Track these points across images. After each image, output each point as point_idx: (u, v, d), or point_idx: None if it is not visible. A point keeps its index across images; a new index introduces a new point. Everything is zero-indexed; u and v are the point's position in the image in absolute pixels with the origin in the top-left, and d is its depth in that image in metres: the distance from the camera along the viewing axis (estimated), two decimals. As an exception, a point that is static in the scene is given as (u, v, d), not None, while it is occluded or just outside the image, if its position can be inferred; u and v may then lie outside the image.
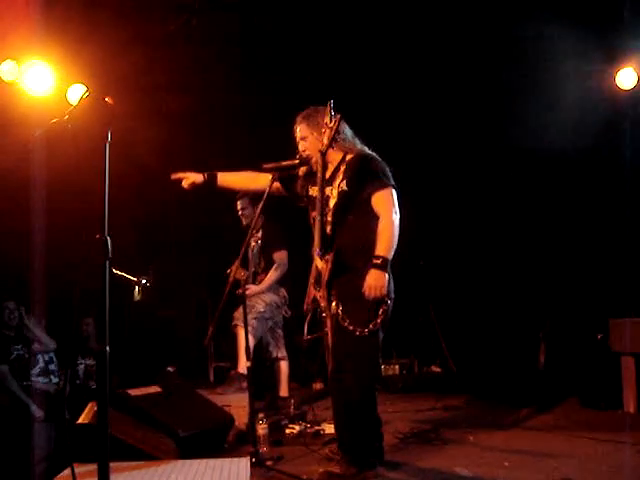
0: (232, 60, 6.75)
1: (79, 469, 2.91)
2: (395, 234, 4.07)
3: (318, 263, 4.16)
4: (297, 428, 5.25)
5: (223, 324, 6.18)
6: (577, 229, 7.18)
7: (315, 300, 4.23)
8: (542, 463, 4.29)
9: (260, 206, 4.39)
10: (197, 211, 7.98)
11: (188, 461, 3.41)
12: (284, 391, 6.23)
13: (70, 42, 5.97)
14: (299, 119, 4.35)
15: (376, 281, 3.96)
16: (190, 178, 4.55)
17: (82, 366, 6.50)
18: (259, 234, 6.24)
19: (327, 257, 4.10)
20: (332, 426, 5.04)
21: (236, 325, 6.01)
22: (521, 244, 7.52)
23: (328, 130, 4.04)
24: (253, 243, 6.23)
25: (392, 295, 4.14)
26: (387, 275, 4.00)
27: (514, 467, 4.20)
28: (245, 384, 5.85)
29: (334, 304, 4.12)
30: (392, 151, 4.52)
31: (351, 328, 4.01)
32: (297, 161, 4.30)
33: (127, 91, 6.02)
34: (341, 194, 4.18)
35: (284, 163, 4.34)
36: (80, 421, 4.40)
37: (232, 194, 6.16)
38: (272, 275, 6.11)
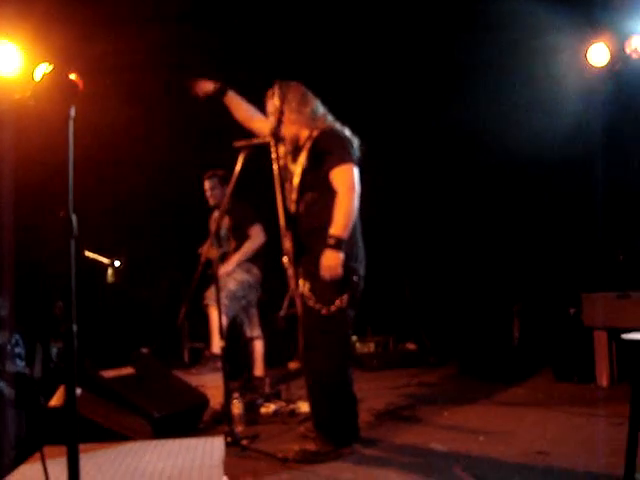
0: (206, 38, 6.66)
1: (50, 451, 2.87)
2: (351, 212, 4.01)
3: (286, 242, 4.16)
4: (272, 407, 5.24)
5: (197, 304, 6.16)
6: (551, 205, 7.20)
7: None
8: (517, 436, 4.33)
9: (231, 185, 4.36)
10: (168, 192, 7.92)
11: (162, 440, 3.39)
12: (259, 370, 6.22)
13: (38, 22, 5.85)
14: (269, 94, 4.32)
15: (330, 261, 3.92)
16: (203, 85, 4.53)
17: (55, 349, 6.43)
18: (225, 219, 6.18)
19: (289, 236, 4.11)
20: (307, 404, 5.04)
21: (208, 305, 5.98)
22: (494, 220, 7.53)
23: (277, 112, 4.05)
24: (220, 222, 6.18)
25: (361, 272, 4.13)
26: (341, 254, 3.94)
27: (489, 442, 4.22)
28: (219, 364, 5.83)
29: (300, 282, 4.14)
30: (369, 131, 4.49)
31: (317, 307, 4.01)
32: (268, 139, 4.27)
33: (98, 71, 5.91)
34: (303, 171, 4.17)
35: (255, 141, 4.32)
36: (51, 404, 4.35)
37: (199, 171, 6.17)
38: (244, 249, 6.07)
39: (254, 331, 6.25)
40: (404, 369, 7.26)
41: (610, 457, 3.63)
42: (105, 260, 7.54)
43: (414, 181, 8.07)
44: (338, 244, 3.93)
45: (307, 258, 4.12)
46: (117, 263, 7.51)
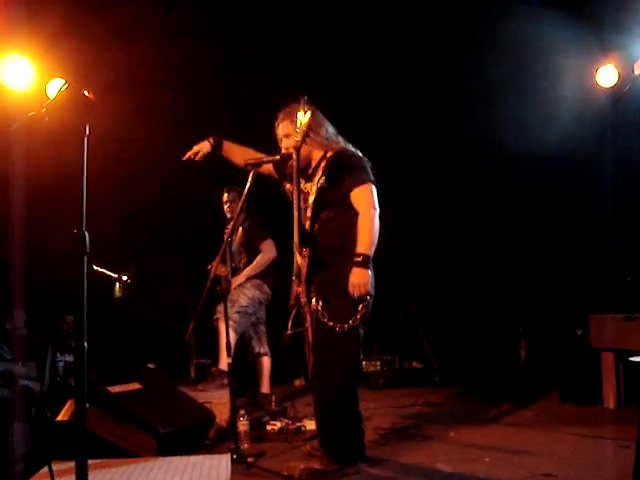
0: (217, 54, 6.71)
1: (58, 467, 2.88)
2: (375, 230, 4.08)
3: (297, 259, 4.18)
4: (278, 424, 5.24)
5: (205, 320, 6.17)
6: (559, 225, 7.19)
7: (298, 296, 4.24)
8: (523, 459, 4.30)
9: (242, 201, 4.39)
10: (178, 208, 7.94)
11: (168, 458, 3.40)
12: (265, 387, 6.21)
13: (51, 37, 5.90)
14: (281, 116, 4.36)
15: (359, 279, 3.98)
16: (199, 150, 4.60)
17: (62, 363, 6.44)
18: (238, 233, 6.22)
19: (305, 253, 4.12)
20: (313, 422, 5.04)
21: (218, 319, 5.99)
22: (501, 240, 7.52)
23: (302, 127, 4.07)
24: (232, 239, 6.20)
25: (372, 292, 4.15)
26: (370, 272, 4.01)
27: (495, 463, 4.21)
28: (225, 380, 5.84)
29: (314, 300, 4.16)
30: (374, 148, 4.52)
31: (331, 324, 4.04)
32: (278, 157, 4.30)
33: (109, 85, 5.96)
34: (320, 190, 4.20)
35: (265, 159, 4.35)
36: (59, 418, 4.36)
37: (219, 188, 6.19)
38: (255, 263, 6.10)
39: (262, 348, 6.25)
40: (409, 388, 7.24)
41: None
42: (113, 275, 7.55)
43: (421, 199, 8.06)
44: (366, 262, 4.00)
45: (322, 275, 4.15)
46: (125, 278, 7.52)
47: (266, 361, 6.26)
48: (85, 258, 2.00)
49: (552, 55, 6.64)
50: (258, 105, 5.07)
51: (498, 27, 6.43)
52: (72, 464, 2.34)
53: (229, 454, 3.65)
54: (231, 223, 5.86)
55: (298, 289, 4.21)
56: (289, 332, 4.32)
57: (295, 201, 4.14)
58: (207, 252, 6.36)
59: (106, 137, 5.42)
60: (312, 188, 4.25)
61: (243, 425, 4.75)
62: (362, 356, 6.70)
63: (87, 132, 2.05)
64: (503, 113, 7.01)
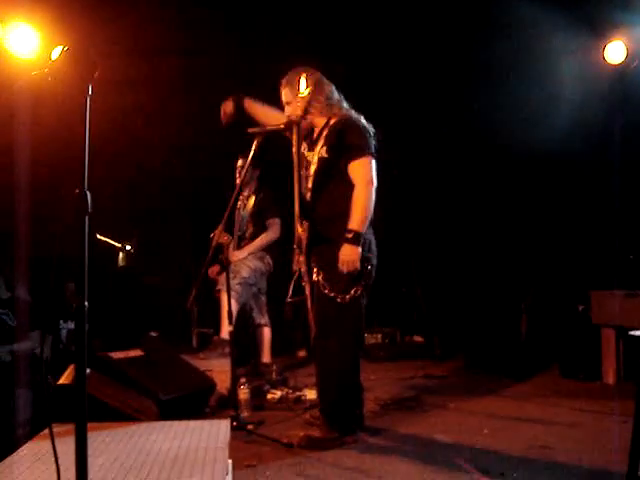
0: (224, 22, 6.65)
1: (58, 429, 2.90)
2: (369, 206, 4.03)
3: (298, 229, 4.16)
4: (279, 393, 5.28)
5: (207, 289, 6.20)
6: (562, 202, 7.17)
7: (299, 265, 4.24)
8: (521, 430, 4.34)
9: (245, 168, 4.40)
10: (181, 176, 7.94)
11: (168, 422, 3.41)
12: (266, 357, 6.24)
13: (56, 4, 5.87)
14: (283, 82, 4.31)
15: (348, 256, 3.96)
16: (225, 110, 4.60)
17: (64, 330, 6.47)
18: (251, 199, 6.22)
19: (305, 224, 4.12)
20: (314, 392, 5.10)
21: (219, 290, 6.01)
22: (505, 215, 7.52)
23: (301, 100, 4.05)
24: (240, 203, 6.20)
25: (374, 261, 4.15)
26: (359, 248, 3.97)
27: (493, 434, 4.24)
28: (227, 349, 5.87)
29: (315, 271, 4.17)
30: (380, 119, 4.49)
31: (332, 295, 4.03)
32: (282, 125, 4.26)
33: (115, 54, 5.93)
34: (320, 160, 4.19)
35: (269, 127, 4.32)
36: (60, 382, 4.39)
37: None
38: (259, 240, 6.12)
39: (262, 318, 6.27)
40: (410, 361, 7.27)
41: (614, 454, 3.63)
42: (116, 244, 7.56)
43: (426, 174, 8.05)
44: (356, 238, 3.96)
45: (322, 247, 4.14)
46: (128, 247, 7.54)
47: (267, 331, 6.29)
48: (87, 218, 2.00)
49: (559, 33, 6.58)
50: (263, 72, 5.01)
51: (504, 5, 6.36)
52: (72, 426, 2.35)
53: (229, 420, 3.67)
54: (242, 188, 5.90)
55: (299, 258, 4.20)
56: (289, 299, 4.32)
57: (295, 172, 4.13)
58: (212, 220, 6.37)
59: (109, 105, 5.42)
60: (314, 157, 4.23)
61: (244, 393, 4.79)
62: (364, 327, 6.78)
63: (90, 92, 2.04)
64: (510, 93, 6.96)
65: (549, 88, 6.86)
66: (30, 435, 3.85)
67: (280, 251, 6.19)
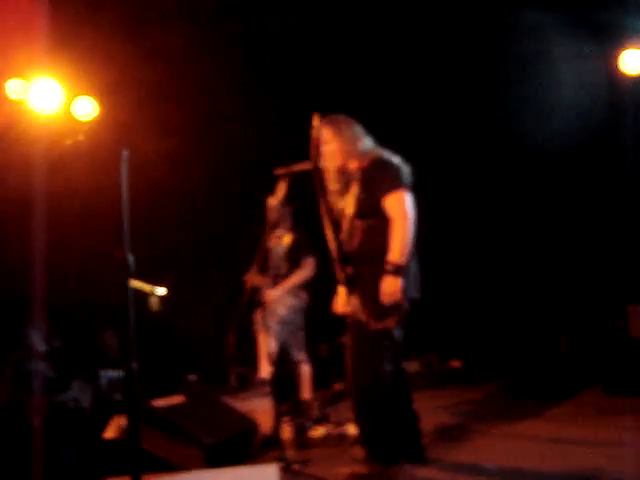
0: (241, 68, 6.73)
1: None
2: (406, 238, 4.05)
3: (339, 272, 4.20)
4: (321, 430, 5.24)
5: (242, 329, 6.21)
6: (591, 217, 7.13)
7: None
8: (571, 452, 4.28)
9: (276, 210, 4.43)
10: (213, 220, 7.99)
11: (216, 470, 3.42)
12: (307, 394, 6.22)
13: (77, 57, 5.96)
14: (324, 123, 4.34)
15: (390, 287, 3.98)
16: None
17: (104, 379, 6.52)
18: (285, 238, 6.24)
19: (347, 269, 4.17)
20: (357, 427, 5.07)
21: (257, 329, 6.03)
22: (540, 234, 7.48)
23: (342, 147, 4.20)
24: (273, 242, 6.21)
25: (413, 294, 4.15)
26: (400, 279, 3.99)
27: (543, 458, 4.19)
28: (267, 389, 5.87)
29: (356, 305, 4.15)
30: (402, 148, 4.51)
31: (367, 322, 4.05)
32: (310, 167, 4.31)
33: (136, 104, 6.01)
34: (357, 202, 4.23)
35: (296, 168, 4.36)
36: (106, 436, 4.41)
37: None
38: (294, 278, 6.13)
39: (300, 354, 6.26)
40: (449, 387, 7.22)
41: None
42: (149, 288, 7.60)
43: (453, 195, 8.03)
44: (397, 270, 3.98)
45: (362, 282, 4.15)
46: (162, 291, 7.58)
47: (306, 368, 6.28)
48: (129, 281, 2.03)
49: (576, 40, 6.57)
50: (284, 116, 5.07)
51: (522, 12, 6.38)
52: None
53: (276, 463, 3.67)
54: (274, 228, 5.93)
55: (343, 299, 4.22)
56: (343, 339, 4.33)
57: (325, 214, 4.19)
58: (243, 261, 6.41)
59: (140, 151, 5.49)
60: (349, 200, 4.29)
61: (287, 432, 4.77)
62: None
63: (125, 157, 2.08)
64: (527, 100, 6.96)
65: (565, 97, 6.83)
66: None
67: (315, 289, 6.22)
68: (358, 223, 4.22)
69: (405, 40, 6.76)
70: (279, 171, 4.34)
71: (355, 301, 4.15)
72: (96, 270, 6.65)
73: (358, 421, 4.25)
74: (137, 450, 2.18)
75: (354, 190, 4.26)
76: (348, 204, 4.29)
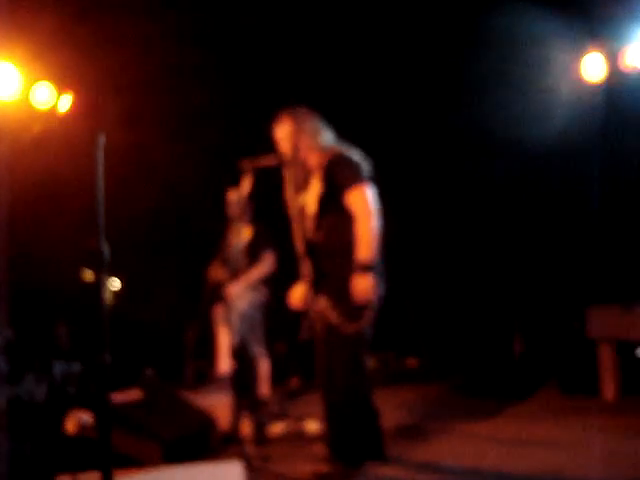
0: (204, 56, 6.65)
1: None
2: (372, 233, 3.99)
3: (304, 268, 4.13)
4: (281, 427, 5.21)
5: (202, 324, 6.15)
6: (551, 218, 7.21)
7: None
8: (532, 451, 4.30)
9: (240, 203, 4.36)
10: (174, 212, 7.90)
11: (179, 466, 3.36)
12: (265, 389, 6.17)
13: (36, 42, 5.81)
14: (282, 118, 4.28)
15: (361, 287, 3.91)
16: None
17: (58, 372, 6.38)
18: (244, 232, 6.18)
19: (309, 262, 4.10)
20: (315, 423, 5.07)
21: (216, 324, 5.96)
22: (496, 233, 7.53)
23: (291, 140, 4.12)
24: (233, 237, 6.16)
25: (381, 291, 4.11)
26: (371, 277, 3.92)
27: (501, 457, 4.20)
28: (225, 384, 5.81)
29: (322, 303, 4.09)
30: (370, 144, 4.49)
31: (339, 325, 3.98)
32: (275, 161, 4.25)
33: (96, 91, 5.89)
34: (319, 198, 4.16)
35: (262, 162, 4.29)
36: (68, 431, 4.31)
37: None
38: (255, 272, 6.07)
39: (259, 350, 6.21)
40: (406, 384, 7.23)
41: (630, 471, 3.61)
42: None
43: (415, 194, 8.05)
44: (366, 269, 3.92)
45: (329, 280, 4.09)
46: (116, 285, 7.47)
47: (264, 364, 6.22)
48: (103, 274, 1.96)
49: (540, 46, 6.62)
50: (253, 109, 5.01)
51: (488, 19, 6.41)
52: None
53: (241, 460, 3.62)
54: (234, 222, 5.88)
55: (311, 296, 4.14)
56: (303, 337, 4.25)
57: (293, 211, 4.13)
58: (200, 254, 6.33)
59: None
60: (310, 198, 4.22)
61: (247, 428, 4.73)
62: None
63: (102, 143, 2.01)
64: (493, 107, 6.99)
65: (531, 103, 6.89)
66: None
67: (274, 285, 6.18)
68: (320, 220, 4.16)
69: (379, 38, 6.75)
70: (245, 164, 4.26)
71: (324, 302, 4.08)
72: (54, 261, 6.53)
73: (326, 420, 4.17)
74: (108, 446, 2.10)
75: (315, 186, 4.21)
76: (309, 201, 4.22)
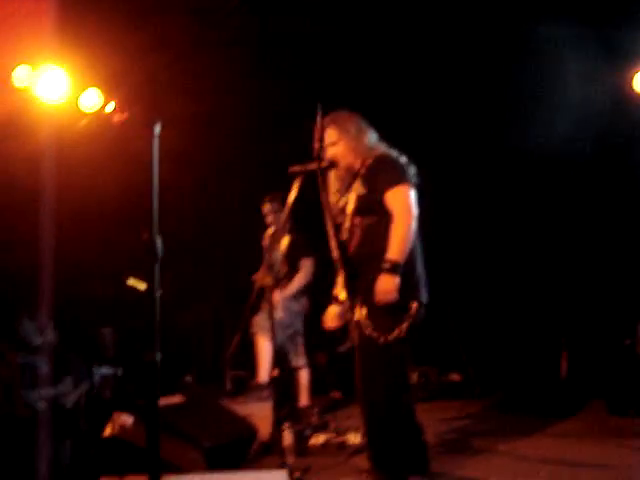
0: (250, 61, 6.63)
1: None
2: (407, 234, 3.85)
3: (340, 273, 4.00)
4: (322, 438, 5.13)
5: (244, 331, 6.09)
6: (600, 234, 7.06)
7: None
8: (580, 473, 4.17)
9: (287, 210, 4.26)
10: (216, 218, 7.88)
11: (227, 473, 3.30)
12: (305, 400, 6.11)
13: (86, 47, 5.83)
14: (327, 122, 4.20)
15: (385, 286, 3.77)
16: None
17: (97, 376, 6.37)
18: (284, 240, 6.15)
19: (345, 266, 3.98)
20: (357, 436, 4.99)
21: (255, 333, 5.91)
22: (544, 248, 7.39)
23: (349, 143, 4.07)
24: (271, 244, 6.13)
25: (422, 299, 3.99)
26: (397, 278, 3.78)
27: (551, 477, 4.07)
28: (265, 393, 5.75)
29: (358, 311, 3.95)
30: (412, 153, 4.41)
31: (375, 335, 3.84)
32: (325, 164, 4.17)
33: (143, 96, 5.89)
34: (359, 198, 4.06)
35: (310, 166, 4.22)
36: (105, 434, 4.27)
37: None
38: (298, 280, 6.04)
39: (299, 360, 6.15)
40: (448, 401, 7.10)
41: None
42: (143, 287, 7.46)
43: (460, 204, 7.93)
44: (394, 268, 3.78)
45: (364, 285, 3.93)
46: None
47: (304, 374, 6.17)
48: (157, 266, 1.90)
49: (588, 61, 6.50)
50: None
51: (534, 33, 6.31)
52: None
53: (286, 470, 3.55)
54: (272, 232, 5.84)
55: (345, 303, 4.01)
56: (342, 349, 4.14)
57: (328, 212, 4.05)
58: (242, 262, 6.30)
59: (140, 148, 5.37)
60: (350, 197, 4.12)
61: (288, 439, 4.64)
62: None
63: (157, 133, 1.95)
64: (538, 121, 6.88)
65: (577, 118, 6.76)
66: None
67: (314, 294, 6.13)
68: (357, 221, 4.04)
69: (421, 45, 6.68)
70: (293, 169, 4.18)
71: (359, 311, 3.95)
72: (102, 264, 6.54)
73: (369, 436, 4.05)
74: (156, 446, 2.03)
75: (356, 186, 4.10)
76: (349, 201, 4.11)
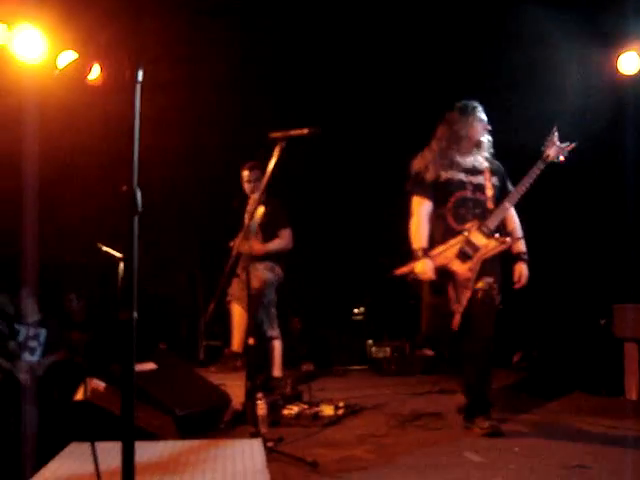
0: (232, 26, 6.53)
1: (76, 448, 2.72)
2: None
3: (478, 238, 4.60)
4: (295, 409, 5.09)
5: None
6: (579, 216, 7.05)
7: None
8: (553, 449, 4.15)
9: (265, 180, 4.17)
10: (188, 184, 7.77)
11: (197, 441, 3.24)
12: (278, 371, 6.05)
13: (63, 7, 5.70)
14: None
15: (526, 274, 4.81)
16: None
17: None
18: (259, 209, 6.05)
19: (495, 236, 4.62)
20: (330, 408, 4.98)
21: (230, 301, 5.84)
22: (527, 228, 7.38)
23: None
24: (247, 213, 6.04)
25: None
26: None
27: (525, 453, 4.04)
28: (239, 363, 5.70)
29: (486, 279, 4.59)
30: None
31: (497, 301, 4.62)
32: (306, 131, 4.11)
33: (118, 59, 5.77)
34: (495, 187, 4.86)
35: (292, 132, 4.15)
36: (75, 398, 4.19)
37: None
38: (277, 244, 5.97)
39: (273, 331, 6.08)
40: (422, 375, 7.11)
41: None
42: (118, 254, 7.36)
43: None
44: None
45: (494, 258, 4.65)
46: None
47: (278, 344, 6.10)
48: (136, 218, 1.81)
49: (573, 43, 6.47)
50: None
51: (517, 15, 6.27)
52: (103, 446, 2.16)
53: (260, 439, 3.49)
54: (251, 200, 5.76)
55: (464, 265, 4.58)
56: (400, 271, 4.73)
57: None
58: (218, 230, 6.21)
59: (112, 110, 5.25)
60: (488, 183, 4.83)
61: (261, 409, 4.58)
62: (371, 341, 6.98)
63: (140, 77, 1.86)
64: (524, 104, 6.84)
65: (562, 100, 6.72)
66: (38, 452, 3.66)
67: (288, 263, 6.08)
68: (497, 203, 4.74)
69: (402, 45, 6.65)
70: (274, 134, 4.10)
71: (489, 278, 4.59)
72: (80, 229, 6.42)
73: (468, 376, 4.81)
74: (131, 414, 1.95)
75: (489, 176, 4.85)
76: (487, 186, 4.81)
